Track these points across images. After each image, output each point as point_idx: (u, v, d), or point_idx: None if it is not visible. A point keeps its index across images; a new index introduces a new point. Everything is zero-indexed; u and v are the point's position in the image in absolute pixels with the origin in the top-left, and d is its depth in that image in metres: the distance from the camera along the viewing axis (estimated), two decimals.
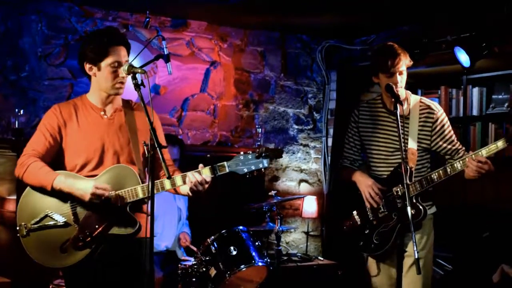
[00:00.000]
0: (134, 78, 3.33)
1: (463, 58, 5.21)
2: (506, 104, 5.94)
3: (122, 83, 3.46)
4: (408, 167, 3.86)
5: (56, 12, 5.73)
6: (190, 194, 3.43)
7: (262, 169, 3.46)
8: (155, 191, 3.33)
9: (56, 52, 5.74)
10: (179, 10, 6.03)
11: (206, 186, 3.40)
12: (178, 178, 3.41)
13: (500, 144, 3.68)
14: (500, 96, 6.02)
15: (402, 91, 3.99)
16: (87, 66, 3.50)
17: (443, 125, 4.09)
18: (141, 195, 3.36)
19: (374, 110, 4.20)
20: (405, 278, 3.93)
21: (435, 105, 4.11)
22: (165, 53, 4.96)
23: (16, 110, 5.33)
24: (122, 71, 3.41)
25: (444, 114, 4.10)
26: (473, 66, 5.20)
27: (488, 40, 5.05)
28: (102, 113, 3.51)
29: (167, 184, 3.40)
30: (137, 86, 3.30)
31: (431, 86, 6.62)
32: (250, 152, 3.44)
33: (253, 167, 3.43)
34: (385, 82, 3.98)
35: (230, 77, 6.61)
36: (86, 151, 3.42)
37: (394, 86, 3.88)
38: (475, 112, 6.17)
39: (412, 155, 3.97)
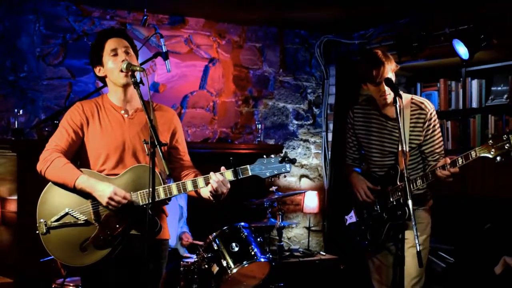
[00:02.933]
0: (133, 76, 3.33)
1: (462, 50, 5.20)
2: (505, 96, 5.93)
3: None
4: (399, 169, 4.02)
5: (54, 12, 5.73)
6: (211, 198, 3.39)
7: (285, 174, 3.44)
8: (176, 192, 3.36)
9: (54, 51, 5.74)
10: (177, 7, 6.03)
11: (228, 186, 3.36)
12: (200, 179, 3.36)
13: (473, 154, 3.76)
14: (499, 88, 6.02)
15: (390, 97, 4.02)
16: (96, 70, 3.52)
17: (434, 125, 4.13)
18: (163, 196, 3.34)
19: (367, 113, 4.27)
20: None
21: (425, 104, 4.11)
22: (164, 50, 4.96)
23: (16, 110, 5.34)
24: (120, 57, 3.41)
25: (435, 113, 4.13)
26: (471, 58, 5.19)
27: (486, 32, 5.04)
28: (123, 112, 3.49)
29: (189, 185, 3.37)
30: (136, 84, 3.31)
31: (430, 79, 6.62)
32: (273, 155, 3.41)
33: (275, 171, 3.39)
34: (373, 90, 4.07)
35: (229, 73, 6.61)
36: (107, 149, 3.40)
37: (392, 79, 3.90)
38: (474, 104, 6.17)
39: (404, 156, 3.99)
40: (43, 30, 5.69)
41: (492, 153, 3.71)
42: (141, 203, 3.33)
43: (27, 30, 5.63)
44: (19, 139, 5.23)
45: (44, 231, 3.33)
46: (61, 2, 5.74)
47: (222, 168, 3.38)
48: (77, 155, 3.46)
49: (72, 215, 3.32)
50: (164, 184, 3.37)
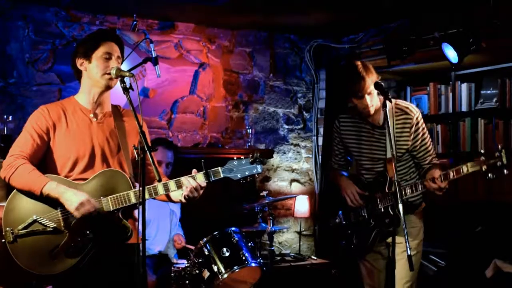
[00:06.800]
0: (122, 81, 3.32)
1: (451, 54, 5.22)
2: (495, 99, 5.96)
3: (111, 77, 3.42)
4: (389, 176, 4.05)
5: (43, 17, 5.71)
6: (183, 200, 3.39)
7: (256, 175, 3.47)
8: (147, 196, 3.32)
9: (43, 57, 5.72)
10: (166, 12, 6.02)
11: (201, 191, 3.38)
12: (171, 183, 3.36)
13: (465, 169, 3.83)
14: (488, 91, 6.04)
15: (372, 109, 4.05)
16: (78, 62, 3.47)
17: (423, 129, 4.14)
18: (133, 200, 3.31)
19: (355, 123, 4.29)
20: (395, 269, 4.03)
21: (410, 108, 4.14)
22: (153, 56, 4.93)
23: (5, 116, 5.31)
24: (112, 63, 3.40)
25: (421, 116, 4.16)
26: (461, 62, 5.21)
27: (476, 35, 5.06)
28: (92, 115, 3.47)
29: (160, 189, 3.36)
30: (126, 90, 3.28)
31: (419, 83, 6.64)
32: (244, 157, 3.42)
33: (247, 173, 3.43)
34: (357, 104, 4.07)
35: (219, 78, 6.60)
36: (76, 154, 3.36)
37: (382, 84, 3.91)
38: (464, 107, 6.19)
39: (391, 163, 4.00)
40: (32, 36, 5.67)
41: (484, 169, 3.76)
42: (111, 209, 3.31)
43: (16, 36, 5.61)
44: (8, 145, 5.20)
45: (11, 239, 3.28)
46: (50, 8, 5.72)
47: (194, 171, 3.39)
48: (44, 159, 3.40)
49: (40, 223, 3.27)
50: (134, 188, 3.35)
